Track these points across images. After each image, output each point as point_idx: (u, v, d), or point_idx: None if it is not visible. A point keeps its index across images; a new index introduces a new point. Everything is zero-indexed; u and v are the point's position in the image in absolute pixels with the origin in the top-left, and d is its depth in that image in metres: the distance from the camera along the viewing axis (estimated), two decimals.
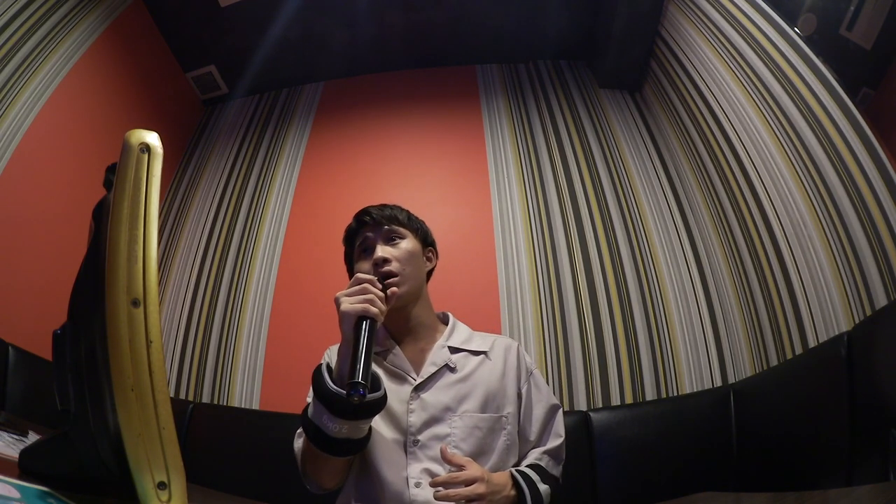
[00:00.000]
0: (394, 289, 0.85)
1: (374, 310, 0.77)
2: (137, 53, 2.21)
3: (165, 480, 0.31)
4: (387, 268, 0.93)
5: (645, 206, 1.97)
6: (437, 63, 2.56)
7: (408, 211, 1.07)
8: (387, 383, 0.90)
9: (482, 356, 0.98)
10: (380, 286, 0.81)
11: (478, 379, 0.94)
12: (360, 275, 0.82)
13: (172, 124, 2.46)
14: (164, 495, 0.31)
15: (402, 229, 1.01)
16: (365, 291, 0.78)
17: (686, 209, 1.93)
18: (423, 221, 1.09)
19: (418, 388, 0.92)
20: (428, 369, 0.94)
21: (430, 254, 1.08)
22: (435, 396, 0.91)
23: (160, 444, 0.31)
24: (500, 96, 2.42)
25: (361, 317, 0.76)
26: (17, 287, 1.57)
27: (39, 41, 1.74)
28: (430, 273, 1.08)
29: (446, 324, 1.06)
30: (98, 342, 0.32)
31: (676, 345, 1.70)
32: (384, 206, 1.05)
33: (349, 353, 0.74)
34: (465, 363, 0.97)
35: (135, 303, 0.31)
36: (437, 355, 0.97)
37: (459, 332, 1.03)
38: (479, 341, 1.02)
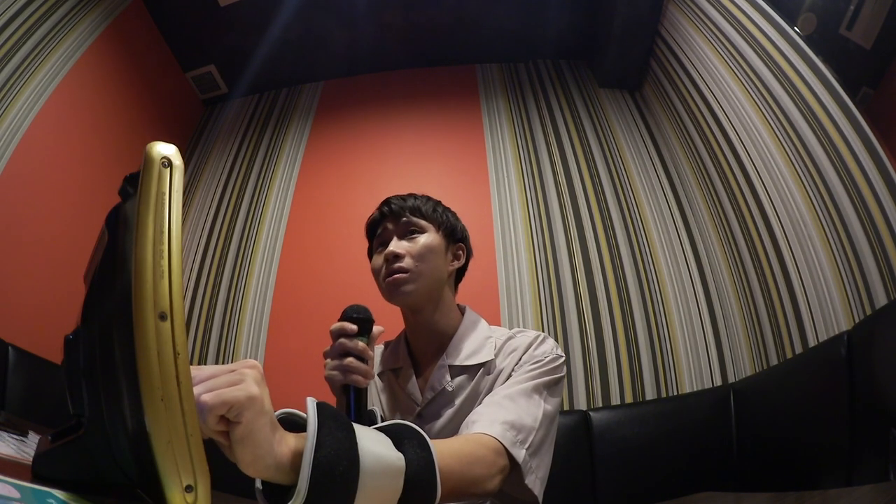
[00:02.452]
0: (379, 327, 0.75)
1: (354, 377, 0.68)
2: (137, 53, 2.21)
3: (192, 483, 0.32)
4: (397, 264, 0.84)
5: (645, 206, 1.97)
6: (437, 63, 2.56)
7: (437, 202, 0.95)
8: (395, 408, 0.87)
9: (481, 371, 0.84)
10: (358, 347, 0.70)
11: (479, 402, 0.81)
12: (334, 327, 0.72)
13: (172, 124, 2.45)
14: (190, 497, 0.32)
15: (423, 222, 0.90)
16: (342, 349, 0.70)
17: (686, 209, 1.93)
18: (453, 214, 0.97)
19: (420, 416, 0.84)
20: (427, 395, 0.85)
21: (459, 251, 0.95)
22: (434, 427, 0.82)
23: (188, 450, 0.32)
24: (500, 96, 2.42)
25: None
26: (17, 287, 1.57)
27: (39, 41, 1.74)
28: (459, 274, 0.97)
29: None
30: (117, 349, 0.33)
31: (676, 344, 1.70)
32: (409, 196, 0.94)
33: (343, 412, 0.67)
34: (466, 385, 0.84)
35: (162, 316, 0.33)
36: (435, 377, 0.85)
37: (466, 343, 0.88)
38: (487, 349, 0.86)
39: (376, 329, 0.74)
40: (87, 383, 0.35)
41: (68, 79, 1.83)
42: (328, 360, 0.72)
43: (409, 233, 0.89)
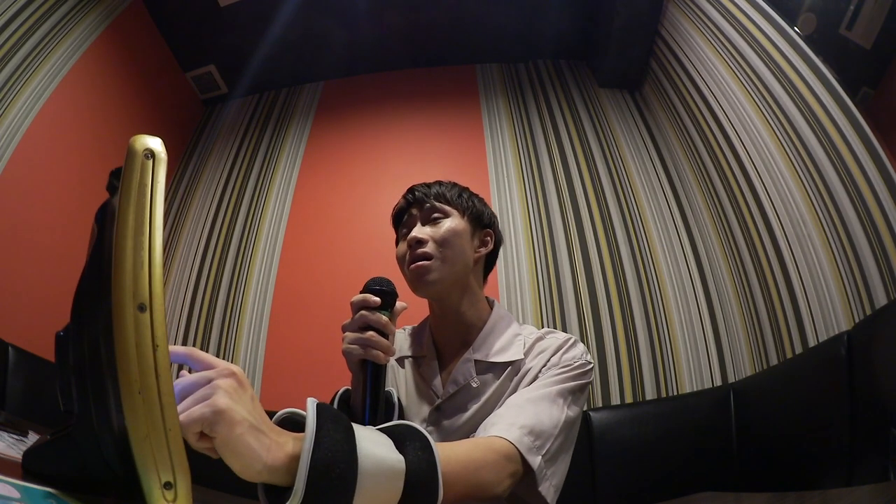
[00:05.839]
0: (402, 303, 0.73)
1: (375, 353, 0.66)
2: (137, 53, 2.21)
3: (172, 480, 0.32)
4: (420, 250, 0.82)
5: (645, 206, 1.97)
6: (437, 63, 2.56)
7: (462, 188, 0.93)
8: (414, 398, 0.85)
9: (509, 369, 0.81)
10: (381, 320, 0.68)
11: (503, 401, 0.78)
12: (356, 299, 0.70)
13: (172, 124, 2.46)
14: (169, 495, 0.31)
15: (447, 207, 0.87)
16: (363, 322, 0.67)
17: (686, 209, 1.93)
18: (480, 200, 0.94)
19: (440, 409, 0.81)
20: (449, 388, 0.82)
21: (487, 237, 0.92)
22: (454, 422, 0.79)
23: (167, 445, 0.32)
24: (500, 96, 2.42)
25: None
26: (17, 287, 1.57)
27: (39, 41, 1.74)
28: (488, 261, 0.94)
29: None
30: (103, 345, 0.33)
31: (676, 345, 1.70)
32: (434, 183, 0.92)
33: (360, 392, 0.68)
34: (491, 382, 0.81)
35: (141, 307, 0.32)
36: (459, 371, 0.82)
37: (494, 338, 0.85)
38: (516, 348, 0.83)
39: (399, 305, 0.71)
40: (77, 379, 0.35)
41: (68, 79, 1.83)
42: (346, 334, 0.69)
43: (432, 218, 0.87)
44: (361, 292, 0.70)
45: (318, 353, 1.80)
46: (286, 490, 0.40)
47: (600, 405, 1.64)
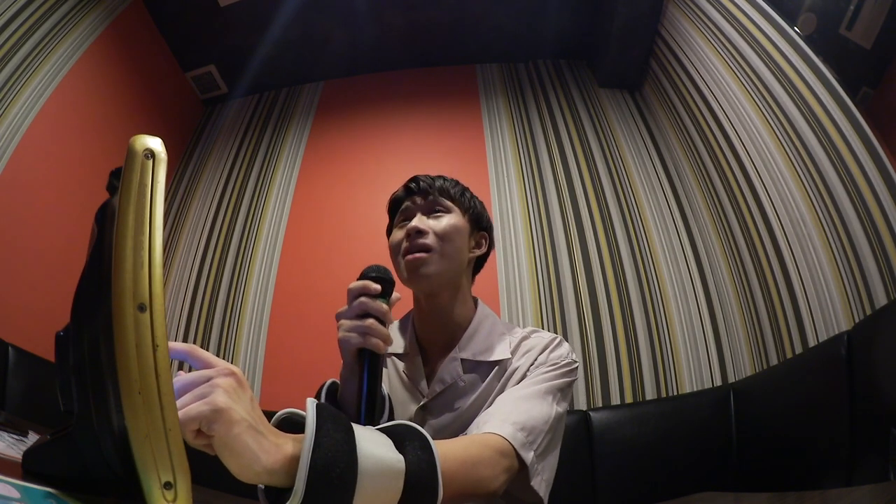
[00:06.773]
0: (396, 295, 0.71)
1: (374, 341, 0.65)
2: (137, 53, 2.21)
3: (171, 480, 0.32)
4: (420, 240, 0.80)
5: (645, 206, 1.97)
6: (437, 62, 2.56)
7: (465, 187, 0.92)
8: (398, 396, 0.83)
9: (497, 368, 0.81)
10: (381, 308, 0.66)
11: (491, 400, 0.78)
12: (354, 285, 0.67)
13: (172, 124, 2.46)
14: (169, 495, 0.31)
15: (449, 203, 0.86)
16: (362, 309, 0.66)
17: (686, 209, 1.93)
18: (481, 203, 0.93)
19: (425, 408, 0.80)
20: (435, 387, 0.81)
21: (482, 239, 0.91)
22: (441, 421, 0.78)
23: (167, 445, 0.32)
24: (500, 96, 2.42)
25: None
26: (17, 287, 1.57)
27: (39, 41, 1.74)
28: (479, 262, 0.93)
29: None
30: (103, 345, 0.33)
31: (676, 344, 1.70)
32: (438, 176, 0.91)
33: (354, 384, 0.66)
34: (479, 381, 0.80)
35: (141, 307, 0.32)
36: (446, 370, 0.81)
37: (480, 337, 0.84)
38: (502, 347, 0.83)
39: (394, 295, 0.70)
40: (77, 379, 0.35)
41: (68, 79, 1.83)
42: (343, 322, 0.67)
43: (434, 211, 0.85)
44: (359, 279, 0.68)
45: (318, 354, 1.80)
46: (286, 490, 0.40)
47: (600, 405, 1.64)
